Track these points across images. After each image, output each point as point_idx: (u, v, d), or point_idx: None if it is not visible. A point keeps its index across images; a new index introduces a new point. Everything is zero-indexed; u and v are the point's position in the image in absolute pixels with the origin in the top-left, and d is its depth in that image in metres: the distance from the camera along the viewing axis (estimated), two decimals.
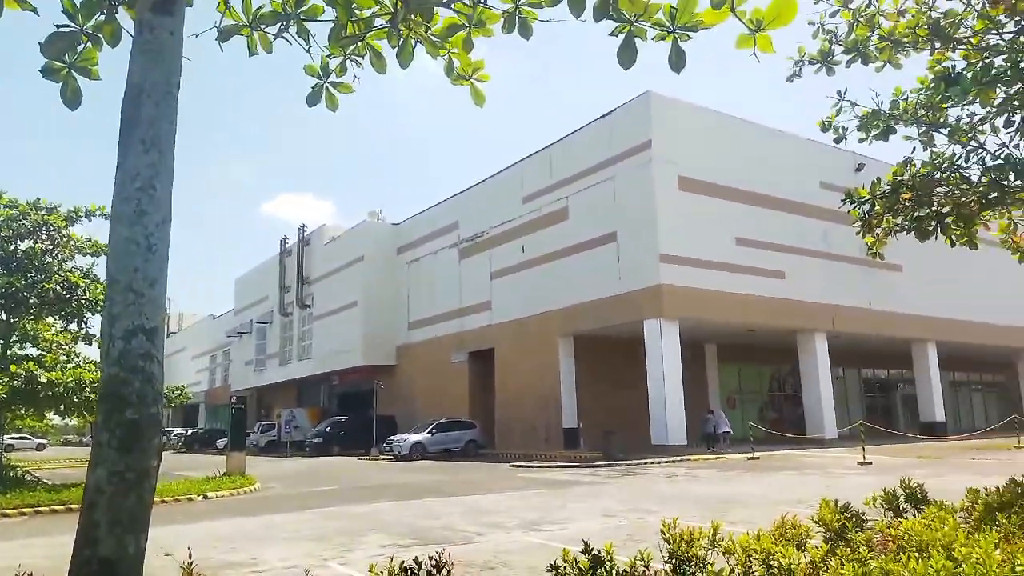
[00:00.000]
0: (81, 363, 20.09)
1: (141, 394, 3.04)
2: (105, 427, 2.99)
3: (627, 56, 3.99)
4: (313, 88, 4.86)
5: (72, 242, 20.02)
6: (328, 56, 4.69)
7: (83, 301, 19.57)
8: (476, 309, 35.57)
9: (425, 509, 13.03)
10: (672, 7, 3.76)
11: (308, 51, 4.55)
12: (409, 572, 3.00)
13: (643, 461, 22.65)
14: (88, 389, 17.56)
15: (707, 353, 34.15)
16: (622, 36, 3.92)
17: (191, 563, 2.95)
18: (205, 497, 16.34)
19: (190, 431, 58.54)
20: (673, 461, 22.77)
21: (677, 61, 3.93)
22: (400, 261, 42.57)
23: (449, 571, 2.87)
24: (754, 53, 3.77)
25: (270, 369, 54.07)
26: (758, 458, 22.82)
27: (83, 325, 20.45)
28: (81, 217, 19.70)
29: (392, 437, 31.77)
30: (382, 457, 31.05)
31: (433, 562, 2.93)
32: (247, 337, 57.49)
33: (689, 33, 3.80)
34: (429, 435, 30.87)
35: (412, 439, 30.54)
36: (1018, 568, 2.58)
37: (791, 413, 35.38)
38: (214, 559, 8.55)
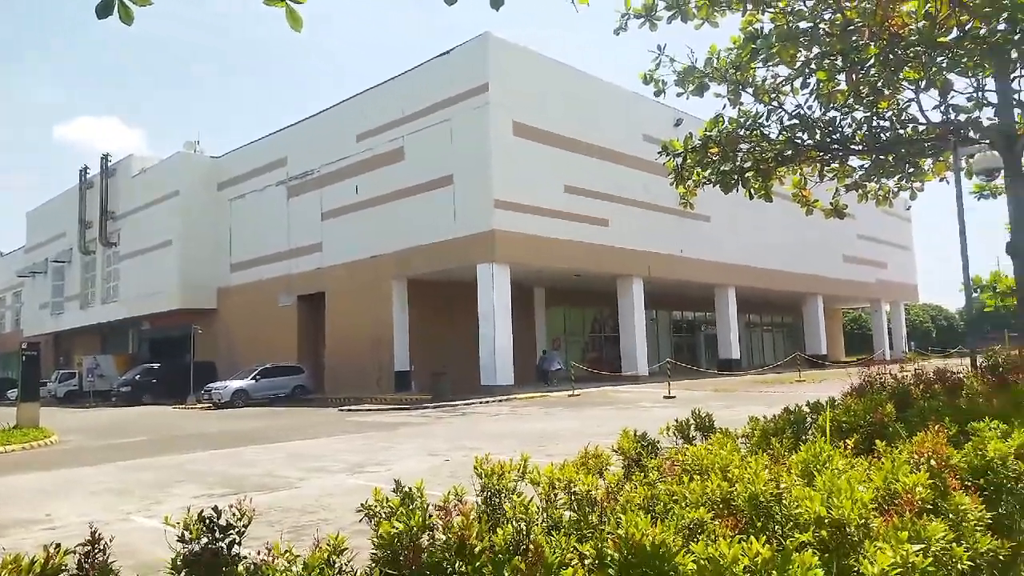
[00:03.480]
0: None
1: None
2: None
3: None
4: None
5: None
6: None
7: None
8: (306, 251, 34.26)
9: (244, 457, 12.57)
10: None
11: None
12: (208, 521, 2.83)
13: (472, 401, 23.24)
14: None
15: (536, 296, 35.34)
16: None
17: None
18: None
19: None
20: (500, 400, 23.57)
21: None
22: (221, 198, 39.83)
23: (250, 518, 2.75)
24: (573, 2, 3.79)
25: (69, 312, 49.14)
26: (578, 395, 24.17)
27: None
28: None
29: (211, 384, 30.18)
30: (199, 406, 29.48)
31: (234, 509, 2.79)
32: (41, 277, 51.69)
33: None
34: (253, 381, 29.68)
35: (234, 386, 29.21)
36: (782, 485, 2.89)
37: (610, 352, 37.71)
38: (1, 517, 7.75)
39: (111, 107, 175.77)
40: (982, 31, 8.35)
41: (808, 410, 5.49)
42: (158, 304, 39.80)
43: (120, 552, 2.77)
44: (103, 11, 4.35)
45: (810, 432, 5.03)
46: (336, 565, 2.55)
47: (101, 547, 2.88)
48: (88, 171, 47.29)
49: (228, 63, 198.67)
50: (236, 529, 2.76)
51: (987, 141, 9.86)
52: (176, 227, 39.16)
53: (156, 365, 37.32)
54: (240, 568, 2.64)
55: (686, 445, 4.42)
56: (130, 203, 43.23)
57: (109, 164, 45.43)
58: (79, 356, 45.59)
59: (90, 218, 46.26)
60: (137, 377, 36.01)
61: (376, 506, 3.14)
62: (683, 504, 2.78)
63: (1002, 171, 10.10)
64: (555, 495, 3.34)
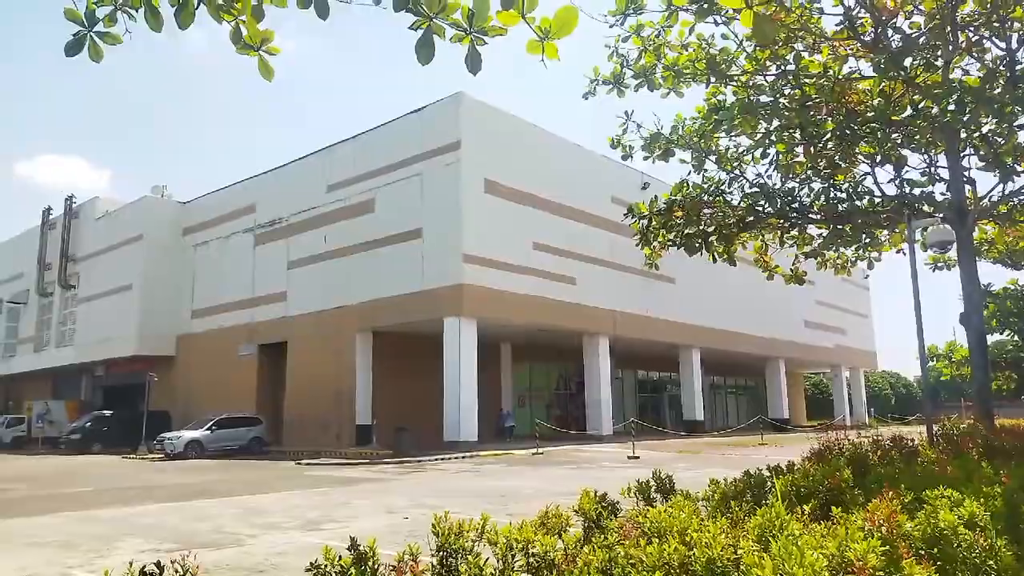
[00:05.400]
0: None
1: None
2: None
3: (425, 52, 3.98)
4: (75, 35, 4.30)
5: None
6: (96, 3, 4.17)
7: None
8: (270, 299, 33.86)
9: (195, 511, 12.13)
10: (469, 9, 3.82)
11: None
12: None
13: (434, 457, 22.84)
14: None
15: (502, 352, 35.22)
16: (421, 32, 3.90)
17: None
18: None
19: None
20: (464, 457, 23.20)
21: (473, 63, 3.99)
22: (186, 243, 39.39)
23: (194, 575, 2.67)
24: (542, 60, 3.92)
25: (22, 355, 47.62)
26: (542, 453, 23.91)
27: None
28: None
29: (164, 434, 29.21)
30: (151, 456, 28.50)
31: (177, 566, 2.70)
32: None
33: (484, 37, 3.86)
34: (208, 432, 28.80)
35: (188, 436, 28.31)
36: (740, 551, 2.89)
37: (575, 410, 37.50)
38: None
39: (77, 147, 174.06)
40: (934, 110, 8.79)
41: (768, 474, 5.52)
42: (114, 350, 38.79)
43: None
44: (72, 49, 4.39)
45: (769, 496, 5.04)
46: None
47: None
48: (51, 212, 46.55)
49: (201, 110, 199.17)
50: None
51: (940, 215, 10.27)
52: (138, 271, 38.50)
53: (108, 413, 36.12)
54: None
55: (647, 506, 4.40)
56: (92, 246, 42.50)
57: (73, 205, 44.79)
58: (29, 401, 44.03)
59: (50, 259, 45.30)
60: (88, 424, 34.77)
61: (327, 565, 3.06)
62: (640, 568, 2.75)
63: (954, 244, 10.49)
64: (512, 556, 3.28)
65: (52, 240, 45.39)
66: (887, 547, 2.94)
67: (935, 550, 3.37)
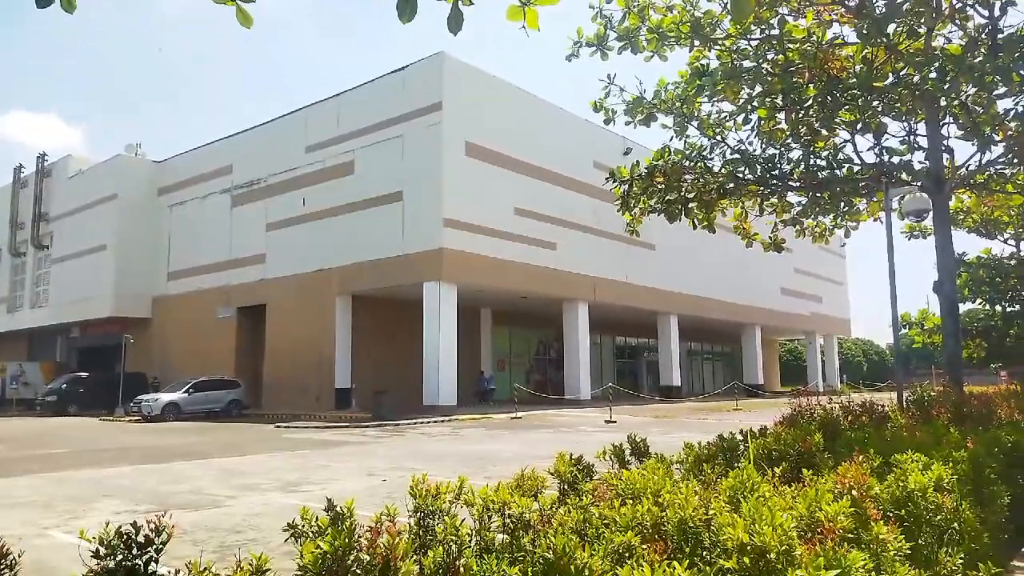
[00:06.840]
0: None
1: None
2: None
3: (407, 7, 3.88)
4: None
5: None
6: None
7: None
8: (248, 262, 33.52)
9: (173, 473, 12.14)
10: None
11: None
12: (125, 537, 2.72)
13: (413, 421, 22.98)
14: None
15: (483, 317, 35.27)
16: None
17: None
18: None
19: None
20: (443, 421, 23.36)
21: (455, 23, 3.90)
22: (161, 203, 38.75)
23: (170, 535, 2.65)
24: (523, 27, 3.83)
25: None
26: (521, 418, 24.14)
27: None
28: None
29: (141, 397, 29.07)
30: (128, 418, 28.39)
31: (152, 525, 2.68)
32: None
33: None
34: (186, 395, 28.70)
35: (165, 399, 28.21)
36: (711, 511, 2.93)
37: (553, 376, 37.82)
38: None
39: (50, 104, 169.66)
40: (915, 79, 8.79)
41: (741, 438, 5.59)
42: (89, 311, 38.32)
43: (34, 569, 2.63)
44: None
45: (742, 459, 5.12)
46: None
47: (8, 563, 2.73)
48: (23, 169, 45.51)
49: (176, 69, 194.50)
50: (155, 546, 2.65)
51: (918, 184, 10.34)
52: (112, 231, 37.88)
53: (84, 375, 35.84)
54: None
55: (622, 469, 4.46)
56: (65, 205, 41.69)
57: (45, 164, 43.80)
58: (3, 362, 43.48)
59: (22, 219, 44.43)
60: (64, 386, 34.48)
61: (304, 525, 3.07)
62: (614, 528, 2.79)
63: (931, 213, 10.59)
64: (489, 517, 3.31)
65: (24, 199, 44.46)
66: (856, 509, 3.01)
67: (903, 512, 3.45)
